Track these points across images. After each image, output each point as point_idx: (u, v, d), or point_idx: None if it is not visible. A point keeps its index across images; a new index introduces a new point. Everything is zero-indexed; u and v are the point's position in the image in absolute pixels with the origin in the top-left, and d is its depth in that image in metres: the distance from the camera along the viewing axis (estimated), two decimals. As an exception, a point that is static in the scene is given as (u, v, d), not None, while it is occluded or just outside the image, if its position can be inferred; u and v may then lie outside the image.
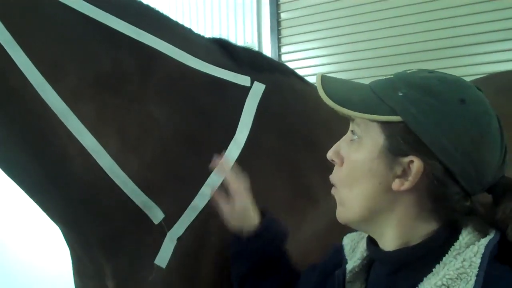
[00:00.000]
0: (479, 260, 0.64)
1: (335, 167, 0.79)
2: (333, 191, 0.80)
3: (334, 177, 0.79)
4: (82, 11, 1.03)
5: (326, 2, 3.51)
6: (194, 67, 1.14)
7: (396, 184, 0.70)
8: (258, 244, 1.00)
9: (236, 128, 1.13)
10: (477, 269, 0.63)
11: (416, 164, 0.68)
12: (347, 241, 0.89)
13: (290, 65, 1.51)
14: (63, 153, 1.00)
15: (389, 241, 0.74)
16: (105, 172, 1.01)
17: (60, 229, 1.16)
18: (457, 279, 0.64)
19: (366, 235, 0.83)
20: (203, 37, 1.27)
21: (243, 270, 1.02)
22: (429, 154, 0.67)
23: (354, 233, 0.89)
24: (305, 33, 3.62)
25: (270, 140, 1.19)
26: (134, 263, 1.05)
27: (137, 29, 1.08)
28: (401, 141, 0.69)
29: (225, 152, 1.09)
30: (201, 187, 1.06)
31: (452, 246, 0.68)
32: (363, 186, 0.73)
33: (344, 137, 0.78)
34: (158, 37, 1.10)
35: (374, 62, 3.33)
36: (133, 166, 1.03)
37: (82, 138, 0.99)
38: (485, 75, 1.90)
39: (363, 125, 0.73)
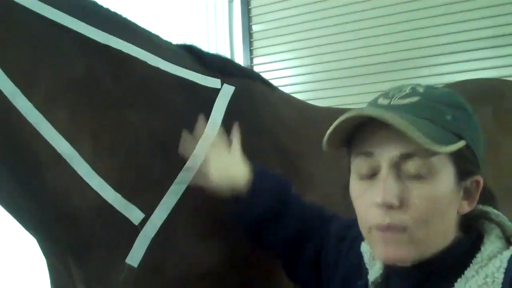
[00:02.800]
0: (502, 276, 0.63)
1: (389, 211, 0.68)
2: (393, 235, 0.68)
3: (403, 221, 0.67)
4: (53, 18, 1.04)
5: (297, 15, 3.58)
6: (165, 69, 1.16)
7: (464, 207, 0.71)
8: (256, 201, 0.98)
9: (205, 129, 1.15)
10: (501, 285, 0.62)
11: (480, 181, 0.71)
12: (366, 248, 0.85)
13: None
14: (37, 160, 1.01)
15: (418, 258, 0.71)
16: (81, 177, 1.01)
17: (35, 238, 1.15)
18: None
19: None
20: (171, 43, 1.29)
21: (251, 229, 1.02)
22: (479, 167, 0.72)
23: None
24: (276, 45, 3.68)
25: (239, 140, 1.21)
26: (106, 267, 1.05)
27: (107, 34, 1.09)
28: (468, 163, 0.70)
29: (194, 150, 1.10)
30: (171, 185, 1.07)
31: (474, 259, 0.67)
32: (444, 218, 0.69)
33: (387, 176, 0.68)
34: (127, 42, 1.12)
35: (345, 72, 3.40)
36: (109, 169, 1.04)
37: (56, 144, 1.00)
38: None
39: (431, 158, 0.67)
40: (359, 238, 0.87)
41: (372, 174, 0.71)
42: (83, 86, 1.05)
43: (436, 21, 3.13)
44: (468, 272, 0.67)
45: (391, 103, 0.71)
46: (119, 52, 1.10)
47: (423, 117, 0.68)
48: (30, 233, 1.13)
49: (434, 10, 3.14)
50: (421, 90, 0.72)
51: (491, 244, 0.69)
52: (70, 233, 1.05)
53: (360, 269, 0.85)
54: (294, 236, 1.00)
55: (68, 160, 1.00)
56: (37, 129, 0.98)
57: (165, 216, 1.06)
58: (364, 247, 0.86)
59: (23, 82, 0.98)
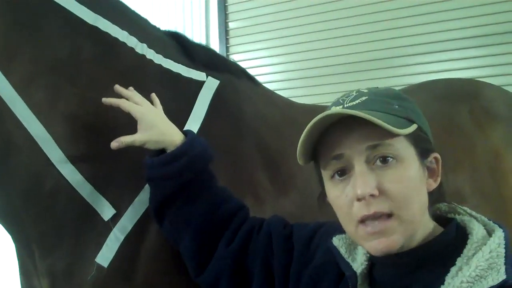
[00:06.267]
0: (503, 250, 0.70)
1: (371, 202, 0.72)
2: (381, 224, 0.73)
3: (386, 207, 0.72)
4: None
5: (273, 12, 3.59)
6: (152, 59, 1.13)
7: (431, 184, 0.78)
8: (182, 162, 0.95)
9: (187, 120, 1.13)
10: (504, 258, 0.69)
11: (438, 157, 0.79)
12: (340, 243, 0.87)
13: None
14: (8, 141, 0.96)
15: (406, 244, 0.74)
16: (52, 163, 0.97)
17: (2, 225, 1.10)
18: (488, 268, 0.68)
19: None
20: (159, 29, 1.27)
21: (165, 193, 0.97)
22: (432, 145, 0.80)
23: (341, 235, 0.88)
24: (253, 42, 3.68)
25: (221, 133, 1.19)
26: (73, 261, 1.00)
27: (96, 15, 1.06)
28: (424, 142, 0.78)
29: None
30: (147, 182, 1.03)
31: (469, 240, 0.73)
32: (420, 195, 0.75)
33: (361, 171, 0.74)
34: (117, 26, 1.09)
35: (320, 71, 3.44)
36: (83, 157, 1.00)
37: (29, 126, 0.96)
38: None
39: (394, 143, 0.74)
40: (322, 235, 0.92)
41: (346, 174, 0.77)
42: (66, 68, 1.01)
43: (410, 22, 3.21)
44: (467, 251, 0.72)
45: (345, 106, 0.77)
46: (107, 35, 1.06)
47: (376, 110, 0.74)
48: None
49: (408, 11, 3.21)
50: (365, 90, 0.80)
51: (479, 228, 0.75)
52: (39, 221, 1.00)
53: (329, 265, 0.87)
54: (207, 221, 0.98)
55: (40, 144, 0.96)
56: (11, 107, 0.94)
57: (139, 215, 1.02)
58: (337, 241, 0.88)
59: (1, 57, 0.94)
